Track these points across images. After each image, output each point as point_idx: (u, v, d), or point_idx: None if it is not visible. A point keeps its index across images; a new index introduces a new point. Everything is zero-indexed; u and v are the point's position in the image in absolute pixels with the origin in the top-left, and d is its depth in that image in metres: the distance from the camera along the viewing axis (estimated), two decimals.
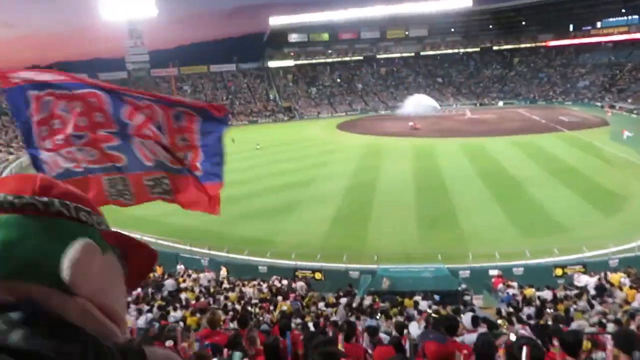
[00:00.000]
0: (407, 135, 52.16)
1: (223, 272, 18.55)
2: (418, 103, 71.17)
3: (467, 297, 14.78)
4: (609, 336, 7.20)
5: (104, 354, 0.67)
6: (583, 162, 33.78)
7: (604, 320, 9.81)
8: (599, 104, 70.09)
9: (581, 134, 46.57)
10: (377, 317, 10.89)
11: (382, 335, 8.03)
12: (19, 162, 45.17)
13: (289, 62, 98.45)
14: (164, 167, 3.54)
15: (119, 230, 0.89)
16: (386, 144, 47.11)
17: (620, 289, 13.31)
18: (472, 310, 11.20)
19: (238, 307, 12.33)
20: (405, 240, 21.23)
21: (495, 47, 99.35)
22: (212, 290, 14.72)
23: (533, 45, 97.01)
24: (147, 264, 0.99)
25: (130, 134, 3.42)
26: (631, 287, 13.36)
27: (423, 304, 13.17)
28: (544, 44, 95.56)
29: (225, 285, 16.11)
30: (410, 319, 10.57)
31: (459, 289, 15.72)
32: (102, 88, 3.44)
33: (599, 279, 14.41)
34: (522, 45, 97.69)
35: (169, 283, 15.55)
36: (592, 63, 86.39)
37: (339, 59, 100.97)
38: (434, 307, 12.64)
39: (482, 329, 8.67)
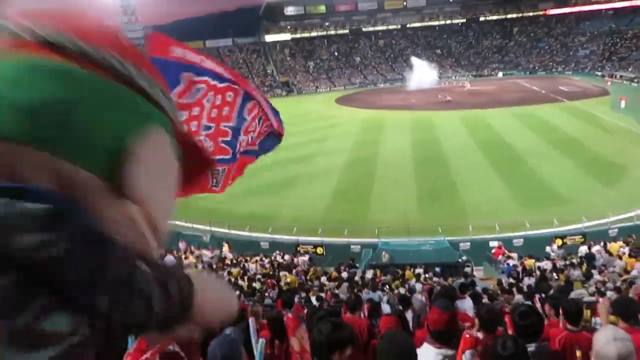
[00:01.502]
0: (407, 108, 51.85)
1: (225, 248, 18.68)
2: (422, 73, 70.72)
3: (467, 269, 14.92)
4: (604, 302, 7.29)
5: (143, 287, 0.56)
6: (583, 132, 33.66)
7: (602, 289, 9.94)
8: (599, 73, 69.49)
9: (581, 104, 46.27)
10: (380, 289, 11.02)
11: (384, 306, 8.15)
12: None
13: (286, 36, 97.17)
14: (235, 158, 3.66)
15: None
16: (386, 118, 46.86)
17: (620, 257, 13.45)
18: (473, 282, 11.34)
19: (242, 282, 12.47)
20: (406, 213, 21.29)
21: (494, 17, 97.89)
22: (214, 266, 14.86)
23: (533, 14, 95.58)
24: (202, 173, 0.88)
25: (241, 129, 3.59)
26: (630, 256, 13.50)
27: (424, 276, 13.33)
28: (543, 12, 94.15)
29: (228, 261, 16.25)
30: (412, 290, 10.71)
31: (460, 260, 15.86)
32: (235, 82, 3.56)
33: (591, 249, 14.55)
34: (522, 15, 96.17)
35: (169, 259, 15.67)
36: (592, 31, 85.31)
37: (337, 32, 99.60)
38: (435, 279, 12.79)
39: (484, 299, 8.82)
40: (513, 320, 3.38)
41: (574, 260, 13.73)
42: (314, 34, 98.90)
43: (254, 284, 12.17)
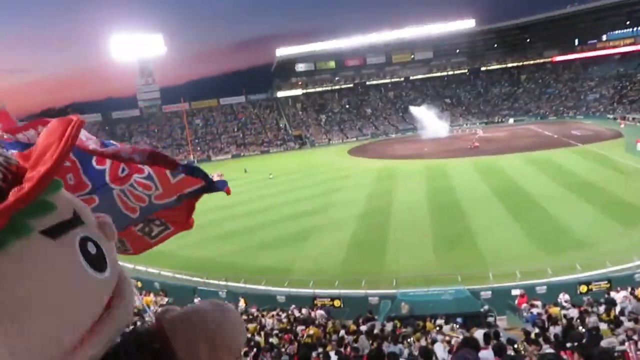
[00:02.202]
0: (419, 157, 52.13)
1: (241, 303, 18.42)
2: (432, 122, 71.58)
3: (490, 319, 14.44)
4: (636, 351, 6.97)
5: None
6: (599, 175, 33.35)
7: (635, 337, 9.50)
8: (610, 116, 69.66)
9: (595, 147, 46.13)
10: (401, 342, 10.68)
11: None
12: None
13: (297, 91, 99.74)
14: (152, 209, 3.01)
15: None
16: (399, 167, 47.06)
17: None
18: (497, 333, 10.94)
19: (258, 338, 12.19)
20: (423, 262, 20.92)
21: (501, 66, 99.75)
22: None
23: (539, 61, 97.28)
24: None
25: (106, 184, 2.86)
26: None
27: (446, 328, 12.91)
28: (550, 59, 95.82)
29: (245, 317, 15.96)
30: (433, 342, 10.35)
31: (482, 310, 15.38)
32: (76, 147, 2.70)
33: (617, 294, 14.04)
34: (528, 62, 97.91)
35: None
36: (600, 76, 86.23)
37: (347, 86, 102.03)
38: (459, 330, 12.37)
39: (509, 351, 8.48)
40: None
41: (599, 309, 13.22)
42: (324, 88, 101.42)
43: (271, 339, 11.88)
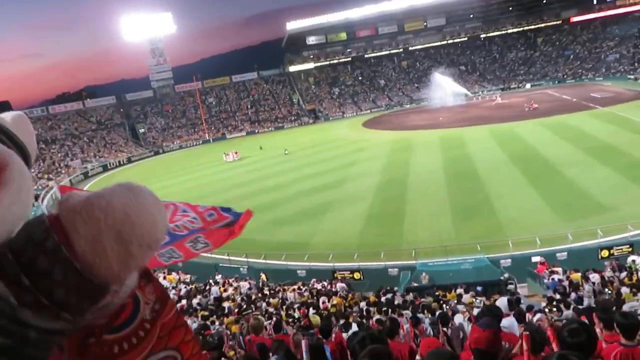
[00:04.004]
0: (435, 127, 51.57)
1: (263, 278, 18.73)
2: (448, 91, 70.41)
3: (511, 286, 14.48)
4: None
5: None
6: (620, 138, 32.64)
7: None
8: (631, 76, 67.68)
9: (616, 109, 45.04)
10: (421, 312, 10.79)
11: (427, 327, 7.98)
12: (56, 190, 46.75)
13: (309, 65, 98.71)
14: (195, 232, 3.95)
15: None
16: (414, 138, 46.68)
17: None
18: (518, 300, 10.98)
19: (282, 312, 12.43)
20: (441, 232, 20.94)
21: (517, 29, 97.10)
22: (253, 297, 14.88)
23: (556, 22, 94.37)
24: None
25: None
26: None
27: (466, 297, 13.00)
28: (567, 20, 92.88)
29: (266, 291, 16.26)
30: (454, 312, 10.44)
31: (502, 278, 15.40)
32: None
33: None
34: (545, 24, 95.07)
35: (215, 290, 15.94)
36: (620, 35, 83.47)
37: (359, 57, 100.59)
38: (478, 298, 12.45)
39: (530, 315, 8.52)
40: (562, 338, 3.24)
41: (622, 274, 13.15)
42: (336, 60, 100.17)
43: (293, 313, 12.11)
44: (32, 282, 0.65)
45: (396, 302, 12.59)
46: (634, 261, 13.97)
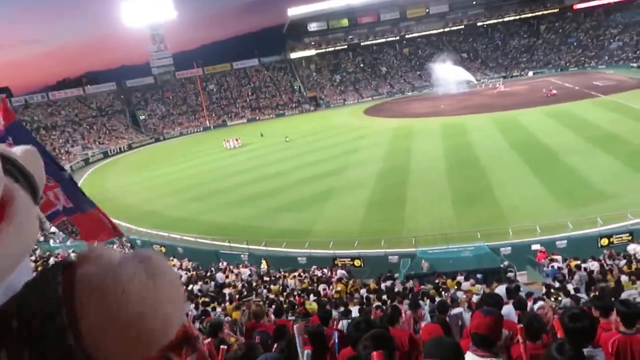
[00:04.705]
0: (436, 114, 51.39)
1: (263, 265, 18.82)
2: (450, 78, 69.93)
3: (510, 274, 14.54)
4: None
5: None
6: (622, 126, 32.51)
7: None
8: (634, 64, 67.19)
9: (618, 97, 44.80)
10: (421, 299, 10.85)
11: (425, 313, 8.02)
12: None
13: (311, 52, 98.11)
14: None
15: None
16: (415, 126, 46.56)
17: None
18: (517, 287, 11.04)
19: (282, 299, 12.51)
20: (442, 220, 20.97)
21: (519, 16, 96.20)
22: (254, 284, 14.96)
23: (559, 9, 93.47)
24: None
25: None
26: None
27: (465, 284, 13.06)
28: (570, 7, 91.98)
29: (267, 278, 16.34)
30: (453, 299, 10.49)
31: (502, 266, 15.46)
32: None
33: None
34: (548, 11, 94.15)
35: (219, 276, 16.06)
36: (623, 22, 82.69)
37: (361, 44, 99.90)
38: (478, 286, 12.51)
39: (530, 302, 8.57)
40: (563, 324, 3.26)
41: (622, 262, 13.19)
42: (338, 47, 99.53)
43: (293, 300, 12.18)
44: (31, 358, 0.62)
45: (396, 290, 12.66)
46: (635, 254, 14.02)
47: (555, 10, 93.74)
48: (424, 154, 33.61)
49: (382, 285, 13.59)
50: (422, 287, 12.89)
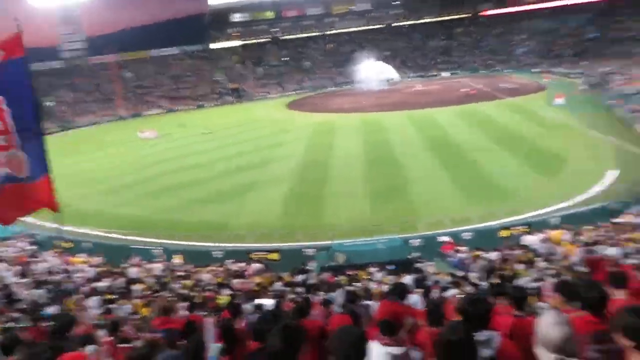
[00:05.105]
0: (357, 110, 52.48)
1: (177, 260, 18.23)
2: (372, 75, 71.58)
3: (419, 265, 15.17)
4: (550, 287, 7.60)
5: None
6: (523, 127, 35.08)
7: (545, 276, 10.33)
8: (537, 70, 72.55)
9: (521, 99, 48.23)
10: (335, 291, 11.02)
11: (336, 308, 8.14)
12: None
13: (234, 43, 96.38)
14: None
15: None
16: (337, 121, 47.25)
17: (560, 244, 14.05)
18: (425, 277, 11.57)
19: (194, 294, 12.17)
20: (359, 214, 21.50)
21: (438, 19, 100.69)
22: (166, 279, 14.45)
23: (471, 15, 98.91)
24: None
25: None
26: (570, 243, 14.13)
27: (378, 276, 13.45)
28: (481, 13, 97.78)
29: (180, 273, 15.84)
30: (367, 290, 10.77)
31: (412, 257, 16.12)
32: None
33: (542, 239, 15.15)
34: (462, 16, 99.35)
35: (130, 272, 15.31)
36: (529, 30, 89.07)
37: (286, 38, 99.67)
38: (390, 277, 12.92)
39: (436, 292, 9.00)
40: (462, 309, 3.41)
41: (518, 252, 14.24)
42: (262, 40, 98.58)
43: (205, 294, 11.89)
44: None
45: (310, 282, 12.77)
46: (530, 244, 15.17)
47: (468, 15, 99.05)
48: (344, 149, 34.22)
49: (297, 278, 13.66)
50: (336, 279, 13.11)
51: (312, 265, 16.24)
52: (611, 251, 11.16)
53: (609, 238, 13.72)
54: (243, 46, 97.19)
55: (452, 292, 9.29)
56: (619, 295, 4.36)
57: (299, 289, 11.76)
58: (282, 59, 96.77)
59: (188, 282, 13.84)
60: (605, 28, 75.22)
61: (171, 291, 12.38)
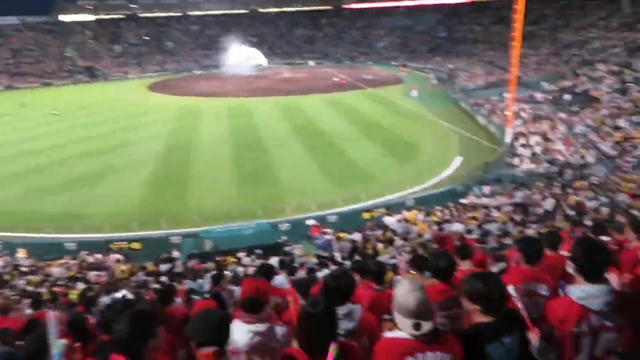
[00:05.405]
0: (223, 95, 51.43)
1: (21, 254, 16.28)
2: (240, 59, 70.47)
3: (287, 248, 15.45)
4: (404, 262, 8.21)
5: None
6: (383, 116, 37.41)
7: (404, 252, 11.18)
8: (395, 63, 77.62)
9: (381, 90, 51.29)
10: (202, 278, 10.74)
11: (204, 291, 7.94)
12: None
13: (87, 17, 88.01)
14: None
15: None
16: (202, 105, 45.83)
17: (415, 224, 15.32)
18: (292, 260, 11.82)
19: (42, 290, 10.98)
20: (226, 200, 21.19)
21: (304, 8, 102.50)
22: (6, 277, 12.82)
23: (334, 7, 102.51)
24: None
25: None
26: (423, 222, 15.51)
27: (246, 260, 13.41)
28: (343, 6, 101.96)
29: (25, 269, 14.18)
30: (235, 276, 10.67)
31: (280, 241, 16.35)
32: None
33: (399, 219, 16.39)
34: (327, 7, 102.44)
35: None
36: (389, 26, 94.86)
37: (146, 15, 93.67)
38: (257, 261, 12.95)
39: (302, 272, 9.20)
40: (326, 283, 3.49)
41: (378, 232, 15.23)
42: (117, 15, 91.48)
43: (56, 290, 10.82)
44: None
45: (177, 270, 12.31)
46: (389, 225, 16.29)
47: (332, 7, 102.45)
48: (209, 133, 33.36)
49: (161, 267, 13.05)
50: (203, 265, 12.80)
51: (177, 254, 15.62)
52: (457, 227, 12.43)
53: (456, 217, 15.30)
54: (98, 21, 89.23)
55: (322, 273, 9.61)
56: (464, 266, 4.86)
57: (164, 279, 11.26)
58: (143, 37, 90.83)
59: (35, 278, 12.45)
60: (453, 29, 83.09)
61: (13, 288, 11.03)
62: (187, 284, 9.85)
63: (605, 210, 12.98)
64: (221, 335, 2.52)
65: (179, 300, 7.15)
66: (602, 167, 21.06)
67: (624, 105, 26.33)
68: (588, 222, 10.04)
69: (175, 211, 19.93)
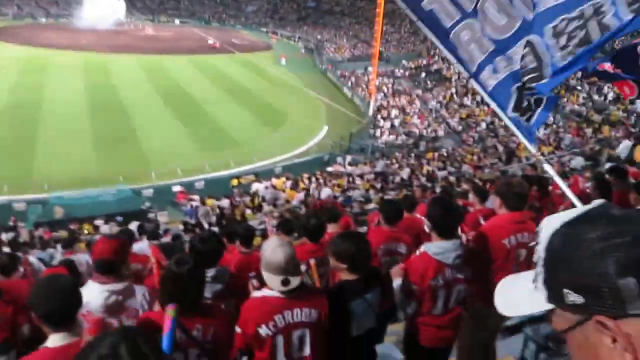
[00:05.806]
0: (77, 48, 46.40)
1: None
2: (97, 11, 63.64)
3: (151, 215, 14.83)
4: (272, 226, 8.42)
5: None
6: (253, 83, 37.04)
7: (272, 217, 11.39)
8: (264, 29, 76.72)
9: (251, 56, 50.53)
10: (53, 247, 9.88)
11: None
12: None
13: None
14: None
15: None
16: (51, 58, 40.82)
17: (283, 191, 15.65)
18: (157, 226, 11.39)
19: None
20: (81, 164, 19.49)
21: None
22: None
23: None
24: None
25: None
26: (291, 189, 15.89)
27: (105, 228, 12.61)
28: None
29: None
30: (90, 243, 9.99)
31: (143, 207, 15.63)
32: None
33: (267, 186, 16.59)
34: None
35: None
36: None
37: None
38: (117, 229, 12.23)
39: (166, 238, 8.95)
40: (193, 246, 3.45)
41: (247, 198, 15.30)
42: None
43: None
44: None
45: (22, 240, 11.12)
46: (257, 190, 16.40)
47: None
48: (60, 92, 29.96)
49: (2, 236, 11.67)
50: (54, 234, 11.74)
51: (22, 222, 14.09)
52: (325, 193, 12.98)
53: (323, 183, 15.92)
54: None
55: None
56: (332, 228, 5.14)
57: (6, 249, 10.11)
58: None
59: None
60: None
61: None
62: (35, 254, 8.98)
63: (452, 178, 14.50)
64: (71, 302, 2.19)
65: (22, 270, 6.52)
66: (451, 141, 23.45)
67: (470, 85, 29.38)
68: (437, 189, 11.14)
69: (20, 176, 17.82)
